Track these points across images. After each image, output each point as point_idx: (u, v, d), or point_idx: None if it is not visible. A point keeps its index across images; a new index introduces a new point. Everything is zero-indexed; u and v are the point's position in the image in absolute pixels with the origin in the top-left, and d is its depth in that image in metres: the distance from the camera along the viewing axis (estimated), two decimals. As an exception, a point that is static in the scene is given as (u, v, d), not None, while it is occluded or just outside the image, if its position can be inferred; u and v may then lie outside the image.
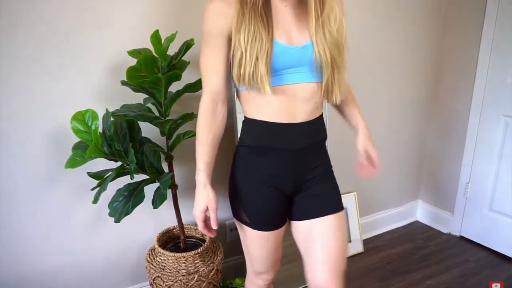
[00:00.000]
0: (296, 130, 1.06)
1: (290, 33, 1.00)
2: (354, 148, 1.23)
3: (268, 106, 1.03)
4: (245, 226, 1.12)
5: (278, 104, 1.02)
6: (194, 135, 1.45)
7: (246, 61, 0.95)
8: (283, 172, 1.08)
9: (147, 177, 1.42)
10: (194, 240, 1.68)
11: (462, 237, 2.39)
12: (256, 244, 1.14)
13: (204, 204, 1.02)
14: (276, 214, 1.11)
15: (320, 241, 1.08)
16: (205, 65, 1.03)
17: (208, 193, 1.03)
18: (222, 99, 1.05)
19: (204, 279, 1.48)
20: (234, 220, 1.16)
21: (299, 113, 1.04)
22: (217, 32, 0.98)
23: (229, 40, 0.99)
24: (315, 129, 1.10)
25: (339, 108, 1.24)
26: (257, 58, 0.94)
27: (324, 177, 1.14)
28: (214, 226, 1.03)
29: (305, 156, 1.09)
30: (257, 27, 0.94)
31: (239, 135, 1.14)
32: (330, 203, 1.12)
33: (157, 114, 1.44)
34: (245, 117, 1.10)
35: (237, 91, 1.09)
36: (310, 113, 1.06)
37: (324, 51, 0.98)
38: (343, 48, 1.02)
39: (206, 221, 1.04)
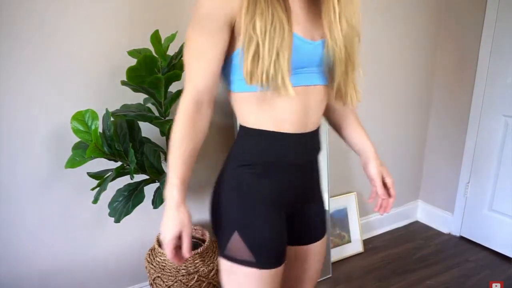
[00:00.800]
0: (305, 140, 0.91)
1: (305, 26, 0.85)
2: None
3: (278, 112, 0.86)
4: (245, 271, 0.88)
5: (291, 110, 0.86)
6: (194, 135, 1.45)
7: (264, 55, 0.77)
8: (289, 191, 0.93)
9: (147, 177, 1.42)
10: (194, 240, 1.68)
11: (462, 237, 2.39)
12: None
13: (176, 230, 0.83)
14: (283, 241, 0.94)
15: (306, 263, 1.06)
16: (193, 55, 0.82)
17: (182, 216, 0.83)
18: (208, 100, 0.85)
19: (204, 279, 1.48)
20: (224, 268, 0.91)
21: (311, 120, 0.90)
22: (218, 15, 0.79)
23: (230, 27, 0.81)
24: (318, 138, 0.97)
25: (340, 128, 1.10)
26: (277, 52, 0.78)
27: (317, 195, 1.03)
28: (187, 254, 0.85)
29: (308, 171, 0.96)
30: (277, 13, 0.77)
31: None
32: (320, 227, 1.05)
33: (157, 114, 1.44)
34: (244, 127, 0.90)
35: (232, 92, 0.89)
36: (318, 120, 0.93)
37: (339, 47, 0.85)
38: (358, 39, 0.89)
39: (177, 248, 0.86)
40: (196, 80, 0.83)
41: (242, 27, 0.79)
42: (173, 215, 0.83)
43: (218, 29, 0.80)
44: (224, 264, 0.91)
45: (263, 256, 0.88)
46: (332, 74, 0.89)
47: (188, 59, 0.84)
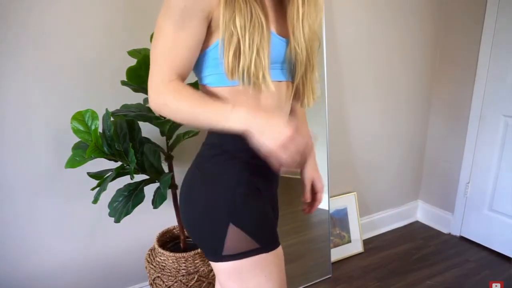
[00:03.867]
0: None
1: (277, 22, 0.87)
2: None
3: (259, 103, 0.87)
4: (252, 261, 0.82)
5: (269, 102, 0.88)
6: (195, 135, 1.46)
7: (244, 51, 0.78)
8: (271, 191, 0.97)
9: (147, 177, 1.42)
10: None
11: (462, 237, 2.39)
12: (273, 273, 0.84)
13: (287, 128, 0.73)
14: (274, 220, 0.96)
15: None
16: (171, 48, 0.79)
17: (276, 115, 0.77)
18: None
19: (204, 279, 1.48)
20: (227, 271, 0.83)
21: (284, 115, 0.93)
22: (200, 8, 0.77)
23: (208, 21, 0.80)
24: None
25: None
26: (257, 49, 0.78)
27: (277, 197, 1.03)
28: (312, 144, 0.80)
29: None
30: (255, 10, 0.78)
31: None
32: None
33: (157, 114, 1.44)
34: None
35: (208, 86, 0.87)
36: (287, 116, 0.95)
37: (301, 49, 0.87)
38: (318, 44, 0.92)
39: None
40: (177, 66, 0.80)
41: (221, 23, 0.78)
42: (270, 118, 0.75)
43: (199, 23, 0.79)
44: (225, 267, 0.83)
45: (266, 238, 0.85)
46: (293, 73, 0.91)
47: (163, 51, 0.80)
